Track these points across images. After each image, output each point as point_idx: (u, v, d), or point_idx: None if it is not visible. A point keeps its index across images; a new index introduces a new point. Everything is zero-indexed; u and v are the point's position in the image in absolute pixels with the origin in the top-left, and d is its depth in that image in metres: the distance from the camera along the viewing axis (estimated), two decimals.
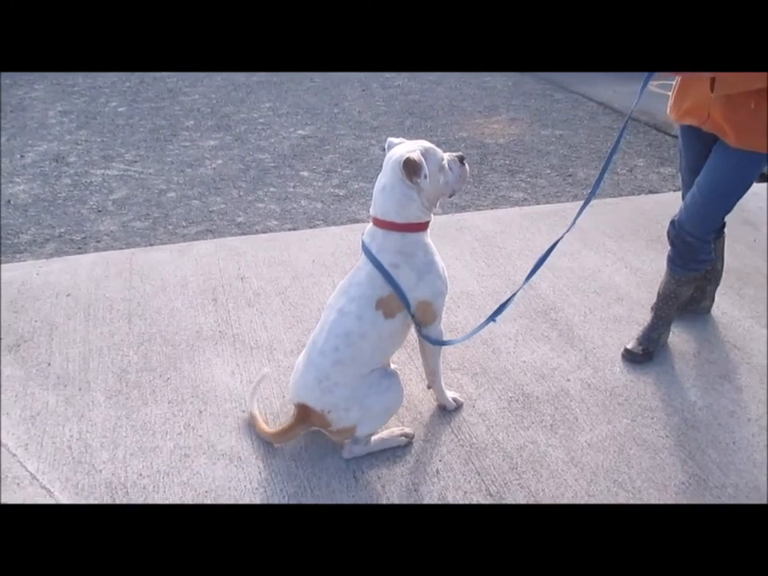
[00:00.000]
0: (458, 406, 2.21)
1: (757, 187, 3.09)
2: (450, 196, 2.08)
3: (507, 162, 4.45)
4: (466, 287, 2.85)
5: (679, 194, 2.60)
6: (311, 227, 3.35)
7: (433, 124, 5.15)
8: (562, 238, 2.11)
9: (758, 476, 2.01)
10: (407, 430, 2.08)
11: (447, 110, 5.53)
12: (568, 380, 2.36)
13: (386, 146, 1.96)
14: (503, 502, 1.87)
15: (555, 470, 1.98)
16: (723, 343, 2.64)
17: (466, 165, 2.02)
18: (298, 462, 1.97)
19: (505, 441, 2.08)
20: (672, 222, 2.40)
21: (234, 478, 1.92)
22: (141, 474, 1.93)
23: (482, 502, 1.87)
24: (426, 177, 1.81)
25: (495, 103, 5.82)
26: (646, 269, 3.09)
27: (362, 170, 4.11)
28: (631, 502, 1.89)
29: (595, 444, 2.09)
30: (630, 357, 2.52)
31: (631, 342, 2.54)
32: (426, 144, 1.90)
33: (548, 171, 4.33)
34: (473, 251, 3.15)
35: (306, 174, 4.06)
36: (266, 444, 2.04)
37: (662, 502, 1.90)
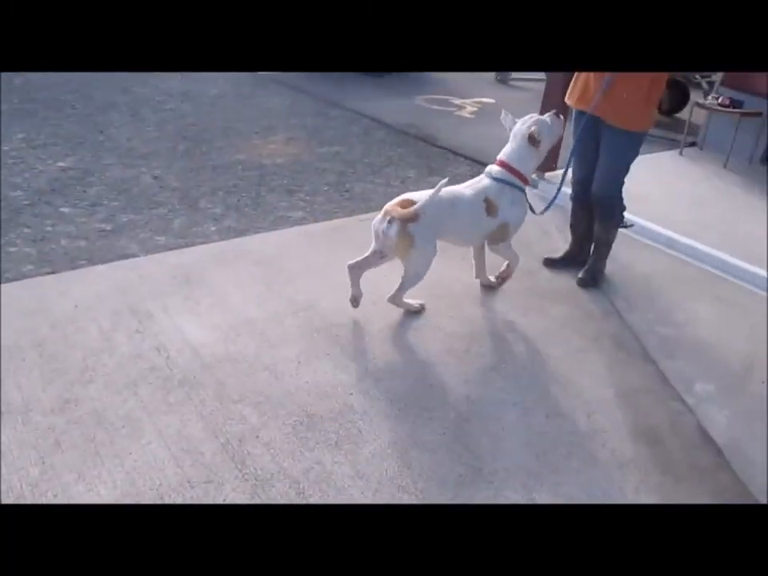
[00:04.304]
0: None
1: None
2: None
3: (285, 181, 4.47)
4: (246, 314, 2.79)
5: None
6: (73, 268, 3.06)
7: (208, 147, 5.02)
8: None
9: (524, 456, 2.20)
10: (422, 302, 2.97)
11: (223, 133, 5.43)
12: (351, 394, 2.40)
13: (507, 120, 3.08)
14: None
15: (342, 487, 2.00)
16: (491, 336, 2.87)
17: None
18: None
19: (291, 467, 2.05)
20: (589, 191, 3.28)
21: None
22: None
23: None
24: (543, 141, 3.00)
25: (272, 123, 5.83)
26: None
27: (131, 200, 3.86)
28: (415, 503, 1.96)
29: (379, 453, 2.15)
30: (582, 284, 3.37)
31: (581, 272, 3.41)
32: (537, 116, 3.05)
33: (326, 188, 4.42)
34: (252, 276, 3.10)
35: (66, 210, 3.72)
36: None
37: (442, 497, 2.00)
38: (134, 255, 3.24)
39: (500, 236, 3.00)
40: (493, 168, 2.99)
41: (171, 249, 3.34)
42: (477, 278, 3.21)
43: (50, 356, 2.43)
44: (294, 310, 2.85)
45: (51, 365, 2.39)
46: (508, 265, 3.19)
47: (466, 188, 2.92)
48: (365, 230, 3.71)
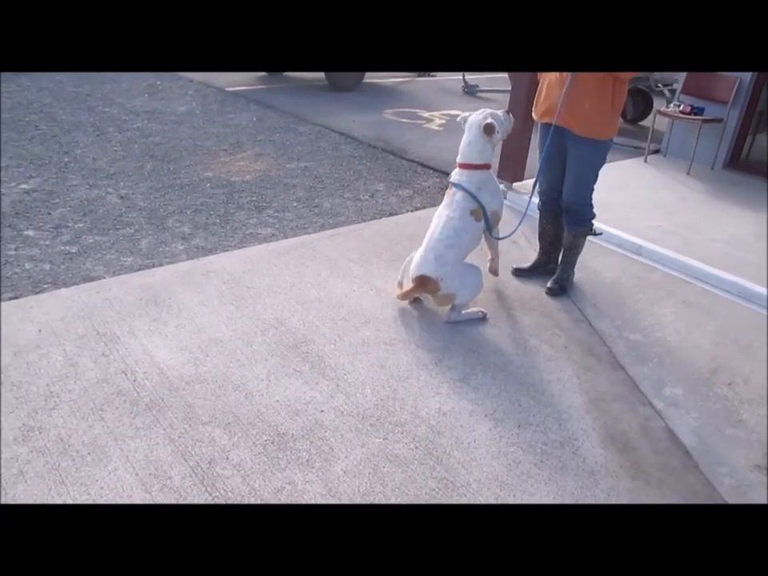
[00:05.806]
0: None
1: None
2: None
3: (254, 198, 4.45)
4: (215, 334, 2.76)
5: (416, 213, 3.09)
6: (37, 293, 3.01)
7: (176, 166, 4.98)
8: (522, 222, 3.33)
9: (496, 467, 2.21)
10: (482, 309, 3.14)
11: (191, 151, 5.40)
12: (322, 411, 2.38)
13: (462, 118, 3.17)
14: None
15: None
16: (461, 348, 2.87)
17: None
18: None
19: (261, 487, 2.03)
20: (560, 200, 3.37)
21: None
22: None
23: None
24: (498, 132, 3.09)
25: (240, 140, 5.81)
26: (389, 289, 3.27)
27: (97, 221, 3.81)
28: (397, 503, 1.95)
29: (351, 470, 2.13)
30: (551, 293, 3.44)
31: (550, 282, 3.48)
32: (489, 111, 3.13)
33: (295, 204, 4.41)
34: (221, 295, 3.07)
35: (30, 232, 3.66)
36: None
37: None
38: (99, 277, 3.19)
39: (494, 221, 3.21)
40: (461, 176, 3.08)
41: (138, 270, 3.30)
42: None
43: (13, 384, 2.38)
44: (263, 329, 2.83)
45: (14, 393, 2.33)
46: (492, 259, 3.43)
47: (451, 211, 3.04)
48: (334, 245, 3.73)
